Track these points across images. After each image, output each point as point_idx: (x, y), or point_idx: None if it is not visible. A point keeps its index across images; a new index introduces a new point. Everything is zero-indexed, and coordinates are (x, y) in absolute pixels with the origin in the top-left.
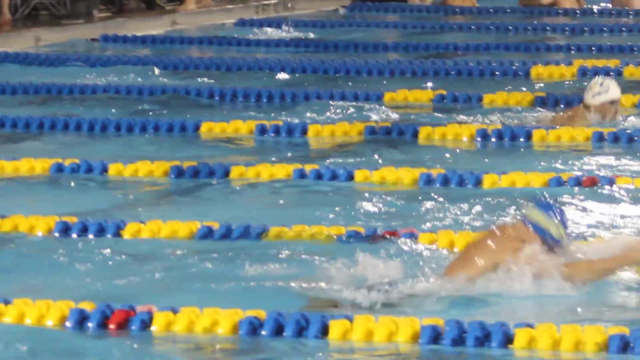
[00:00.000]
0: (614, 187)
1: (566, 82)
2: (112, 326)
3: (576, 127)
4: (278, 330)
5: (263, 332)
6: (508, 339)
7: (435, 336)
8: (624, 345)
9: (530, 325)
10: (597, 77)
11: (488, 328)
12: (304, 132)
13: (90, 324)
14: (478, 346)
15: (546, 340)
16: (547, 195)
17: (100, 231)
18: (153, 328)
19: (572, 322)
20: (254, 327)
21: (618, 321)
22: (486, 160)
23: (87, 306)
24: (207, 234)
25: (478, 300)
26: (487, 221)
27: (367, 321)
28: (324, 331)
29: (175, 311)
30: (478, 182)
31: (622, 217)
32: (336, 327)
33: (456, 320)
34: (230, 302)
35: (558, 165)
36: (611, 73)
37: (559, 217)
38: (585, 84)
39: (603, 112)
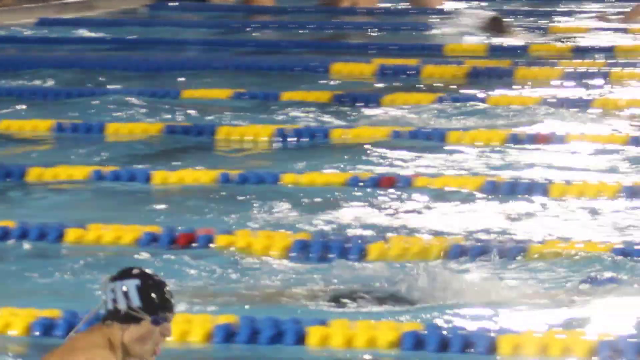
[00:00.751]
0: (413, 187)
1: (365, 80)
2: None
3: None
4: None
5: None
6: (301, 337)
7: (229, 334)
8: (417, 342)
9: (323, 322)
10: None
11: (281, 326)
12: (102, 130)
13: None
14: (271, 344)
15: (340, 337)
16: None
17: None
18: None
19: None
20: (46, 327)
21: (412, 318)
22: (285, 159)
23: None
24: (4, 234)
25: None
26: (285, 220)
27: None
28: None
29: None
30: (276, 181)
31: (420, 217)
32: None
33: (250, 317)
34: (26, 302)
35: (357, 164)
36: (408, 72)
37: None
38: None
39: None
